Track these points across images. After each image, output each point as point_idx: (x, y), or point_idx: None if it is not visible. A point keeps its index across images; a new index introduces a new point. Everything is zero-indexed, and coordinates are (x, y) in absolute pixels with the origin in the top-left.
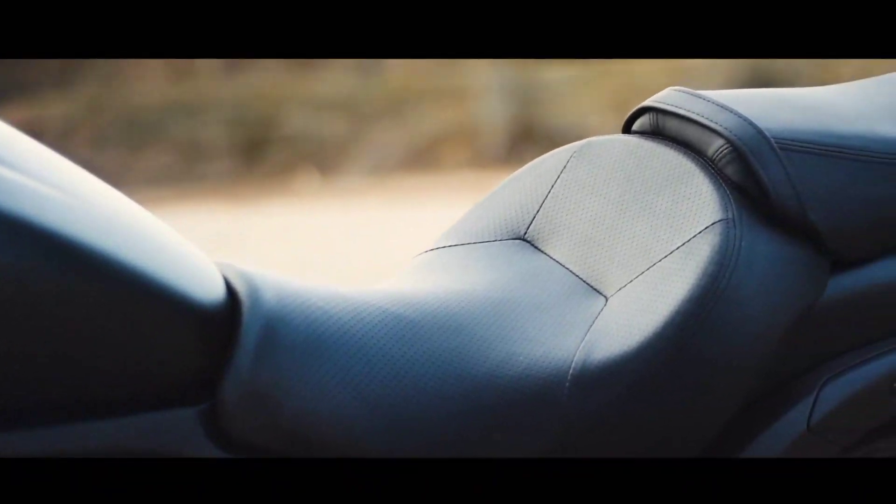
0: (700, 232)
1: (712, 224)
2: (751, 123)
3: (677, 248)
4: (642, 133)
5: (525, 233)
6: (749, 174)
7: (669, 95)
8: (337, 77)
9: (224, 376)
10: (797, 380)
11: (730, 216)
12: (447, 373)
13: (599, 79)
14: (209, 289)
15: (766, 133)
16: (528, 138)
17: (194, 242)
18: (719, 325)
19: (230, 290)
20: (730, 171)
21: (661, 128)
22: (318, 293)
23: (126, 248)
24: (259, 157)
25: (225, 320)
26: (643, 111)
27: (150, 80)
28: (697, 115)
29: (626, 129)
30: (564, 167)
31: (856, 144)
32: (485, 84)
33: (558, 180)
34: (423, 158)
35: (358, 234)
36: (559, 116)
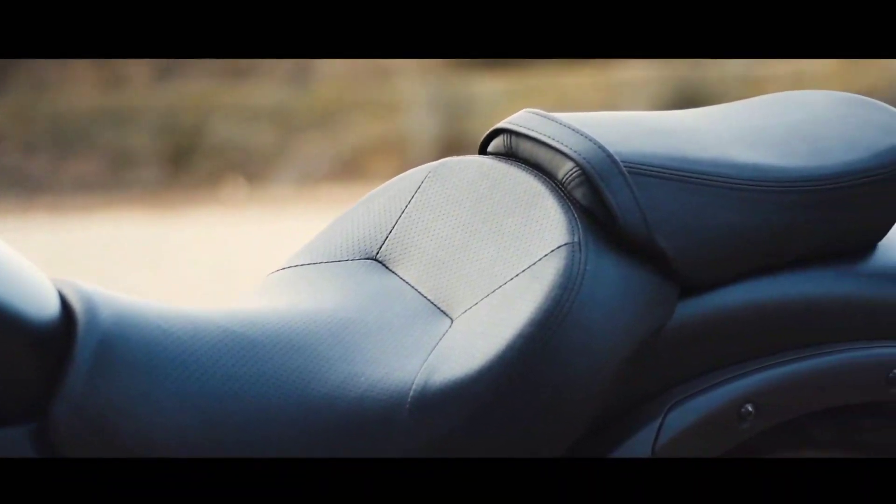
0: (546, 255)
1: (558, 247)
2: (600, 147)
3: (523, 270)
4: (497, 154)
5: (377, 253)
6: (597, 198)
7: (523, 117)
8: (267, 87)
9: (56, 395)
10: (643, 405)
11: (576, 240)
12: (287, 393)
13: (528, 92)
14: (43, 306)
15: (616, 157)
16: (455, 149)
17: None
18: (562, 348)
19: (66, 308)
20: (578, 194)
21: (514, 149)
22: (158, 312)
23: None
24: (187, 165)
25: (59, 338)
26: (498, 132)
27: (80, 87)
28: (548, 137)
29: (482, 149)
30: (419, 188)
31: (708, 170)
32: (414, 96)
33: (412, 200)
34: (351, 168)
35: (282, 243)
36: (487, 128)
